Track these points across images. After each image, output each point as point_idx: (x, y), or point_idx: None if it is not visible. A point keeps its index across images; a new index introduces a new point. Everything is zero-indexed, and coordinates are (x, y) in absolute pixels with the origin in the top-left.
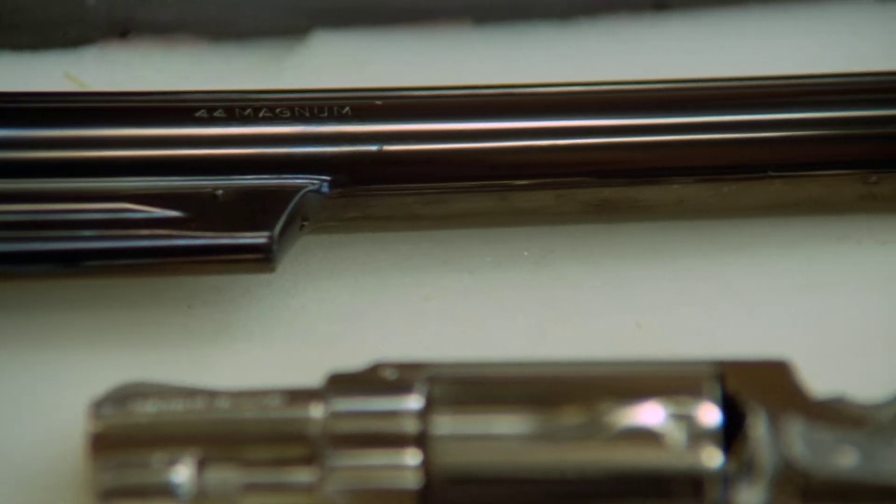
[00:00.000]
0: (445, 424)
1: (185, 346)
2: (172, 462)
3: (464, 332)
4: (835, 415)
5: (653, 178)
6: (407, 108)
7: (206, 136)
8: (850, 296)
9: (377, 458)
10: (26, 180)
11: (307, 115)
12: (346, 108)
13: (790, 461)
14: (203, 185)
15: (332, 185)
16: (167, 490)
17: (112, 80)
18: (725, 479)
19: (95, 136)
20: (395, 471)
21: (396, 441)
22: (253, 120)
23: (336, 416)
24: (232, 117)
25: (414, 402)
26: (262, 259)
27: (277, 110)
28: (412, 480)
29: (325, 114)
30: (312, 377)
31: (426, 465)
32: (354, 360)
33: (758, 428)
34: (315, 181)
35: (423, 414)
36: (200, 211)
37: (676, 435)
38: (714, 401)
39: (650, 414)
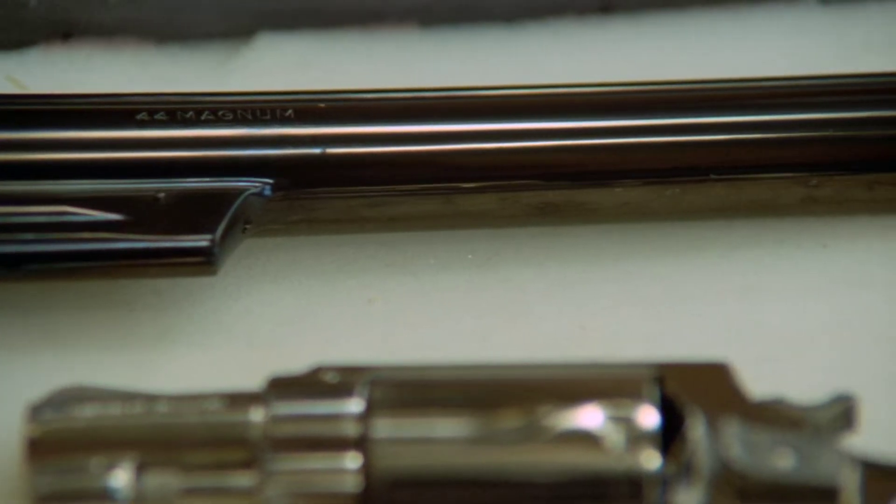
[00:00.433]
0: (386, 428)
1: (126, 350)
2: (110, 467)
3: (408, 335)
4: (773, 417)
5: (597, 181)
6: (350, 111)
7: (147, 138)
8: (791, 298)
9: (317, 461)
10: None
11: (250, 117)
12: (289, 111)
13: (727, 463)
14: (144, 188)
15: (274, 187)
16: (105, 495)
17: (55, 82)
18: (664, 481)
19: (35, 138)
20: (335, 474)
21: (337, 444)
22: (195, 122)
23: (276, 419)
24: (173, 120)
25: (354, 405)
26: (204, 262)
27: (220, 113)
28: (352, 484)
29: (268, 116)
30: (256, 381)
31: (366, 469)
32: (298, 363)
33: (696, 430)
34: (257, 184)
35: (364, 417)
36: (141, 214)
37: (615, 437)
38: (653, 403)
39: (589, 417)
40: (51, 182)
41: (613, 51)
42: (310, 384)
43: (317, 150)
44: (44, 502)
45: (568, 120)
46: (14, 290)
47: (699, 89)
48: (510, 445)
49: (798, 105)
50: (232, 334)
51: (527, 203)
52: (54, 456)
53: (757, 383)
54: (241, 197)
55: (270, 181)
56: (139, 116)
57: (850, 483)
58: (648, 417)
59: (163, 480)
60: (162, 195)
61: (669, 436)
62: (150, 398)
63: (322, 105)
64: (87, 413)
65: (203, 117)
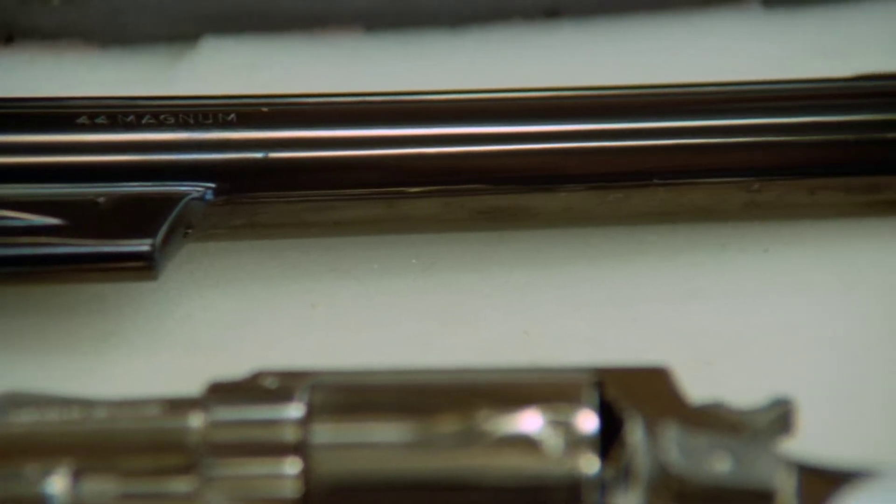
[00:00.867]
0: (325, 433)
1: (67, 355)
2: (46, 473)
3: (351, 340)
4: (711, 421)
5: (541, 186)
6: (293, 115)
7: (87, 142)
8: (732, 302)
9: (256, 467)
10: None
11: (191, 121)
12: (232, 115)
13: (665, 466)
14: (84, 192)
15: (216, 192)
16: (41, 502)
17: None
18: (602, 485)
19: None
20: (275, 480)
21: (276, 450)
22: (136, 126)
23: (215, 425)
24: (114, 124)
25: (294, 410)
26: (144, 267)
27: (161, 117)
28: (291, 489)
29: (210, 120)
30: (197, 386)
31: (305, 474)
32: (240, 368)
33: (634, 434)
34: (199, 188)
35: (303, 422)
36: (81, 218)
37: (554, 442)
38: (592, 408)
39: (528, 421)
40: None
41: (559, 56)
42: (249, 389)
43: (259, 155)
44: None
45: (512, 124)
46: None
47: (643, 94)
48: (449, 450)
49: (741, 110)
50: (174, 339)
51: (471, 207)
52: None
53: (697, 387)
54: (183, 201)
55: (212, 185)
56: (79, 120)
57: (786, 486)
58: (587, 422)
59: (100, 487)
60: (102, 199)
61: (608, 440)
62: (89, 404)
63: (265, 109)
64: (23, 419)
65: (144, 121)
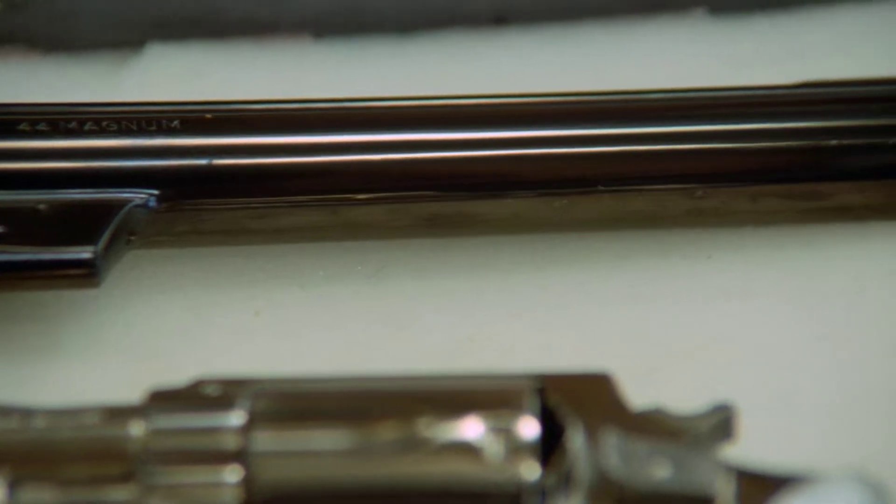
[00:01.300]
0: (266, 440)
1: (8, 363)
2: None
3: (295, 347)
4: (652, 427)
5: (486, 193)
6: (237, 122)
7: (28, 149)
8: (676, 309)
9: (197, 475)
10: None
11: (134, 128)
12: (175, 122)
13: (605, 473)
14: (25, 199)
15: (159, 199)
16: None
17: None
18: (543, 492)
19: None
20: (215, 488)
21: (217, 458)
22: (77, 133)
23: (156, 432)
24: (55, 130)
25: (235, 418)
26: (87, 274)
27: (104, 123)
28: (232, 497)
29: (154, 127)
30: (140, 395)
31: (246, 482)
32: (184, 376)
33: (575, 440)
34: (142, 195)
35: (245, 430)
36: (22, 225)
37: (495, 448)
38: (534, 414)
39: (470, 428)
40: None
41: (506, 62)
42: (190, 397)
43: (203, 161)
44: None
45: (458, 131)
46: None
47: (588, 101)
48: (390, 457)
49: (685, 117)
50: (117, 347)
51: (416, 214)
52: None
53: (640, 393)
54: (125, 208)
55: (156, 192)
56: (20, 127)
57: (725, 491)
58: (528, 428)
59: (38, 496)
60: (43, 206)
61: (550, 447)
62: (27, 412)
63: (208, 116)
64: None
65: (86, 128)
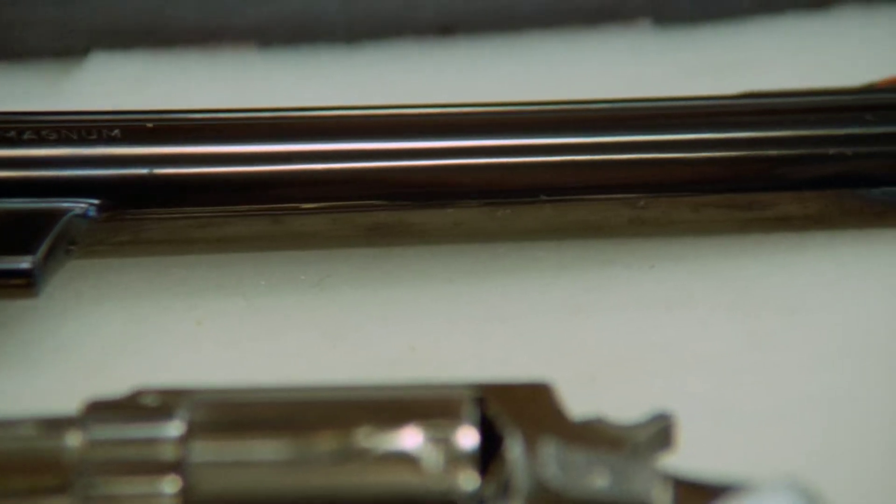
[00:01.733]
0: (204, 451)
1: None
2: None
3: (237, 357)
4: (592, 436)
5: (429, 202)
6: (178, 131)
7: None
8: (617, 318)
9: (134, 485)
10: None
11: (74, 137)
12: (116, 131)
13: (544, 482)
14: None
15: (100, 208)
16: None
17: None
18: (481, 501)
19: None
20: (153, 499)
21: (155, 468)
22: (16, 142)
23: (93, 443)
24: None
25: (174, 428)
26: (25, 285)
27: (43, 132)
28: None
29: (94, 136)
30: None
31: (184, 493)
32: (124, 386)
33: (514, 450)
34: (82, 204)
35: (183, 440)
36: None
37: (433, 458)
38: (472, 424)
39: (408, 438)
40: None
41: (452, 72)
42: (128, 407)
43: (144, 171)
44: None
45: (401, 141)
46: None
47: (531, 111)
48: (328, 467)
49: (626, 127)
50: (56, 358)
51: (359, 224)
52: None
53: (580, 402)
54: (65, 218)
55: (96, 202)
56: None
57: (662, 499)
58: (467, 438)
59: None
60: None
61: (489, 456)
62: None
63: (149, 125)
64: None
65: (25, 136)
